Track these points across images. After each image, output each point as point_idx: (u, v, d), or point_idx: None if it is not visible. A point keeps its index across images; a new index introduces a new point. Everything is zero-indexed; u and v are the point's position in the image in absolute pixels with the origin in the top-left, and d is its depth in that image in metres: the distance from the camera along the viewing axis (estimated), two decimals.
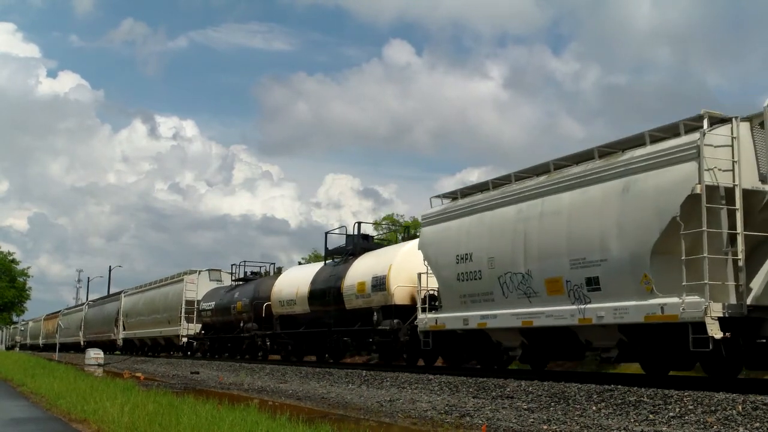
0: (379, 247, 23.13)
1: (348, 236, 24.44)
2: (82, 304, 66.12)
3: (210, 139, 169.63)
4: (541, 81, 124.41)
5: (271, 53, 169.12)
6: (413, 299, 18.85)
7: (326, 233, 25.79)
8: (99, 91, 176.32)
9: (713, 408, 9.32)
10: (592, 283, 12.71)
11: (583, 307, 12.89)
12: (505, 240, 14.79)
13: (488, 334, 15.83)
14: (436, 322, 16.99)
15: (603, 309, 12.46)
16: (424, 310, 17.50)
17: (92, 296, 77.07)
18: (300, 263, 32.96)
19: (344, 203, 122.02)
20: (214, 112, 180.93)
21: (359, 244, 23.51)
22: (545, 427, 10.13)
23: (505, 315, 14.79)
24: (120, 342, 48.97)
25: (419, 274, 17.93)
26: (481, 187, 16.54)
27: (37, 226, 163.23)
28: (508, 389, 12.76)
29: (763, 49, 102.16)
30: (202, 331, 35.15)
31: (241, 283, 32.63)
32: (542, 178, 14.53)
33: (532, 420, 10.60)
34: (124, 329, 48.35)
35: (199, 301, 35.86)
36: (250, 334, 28.67)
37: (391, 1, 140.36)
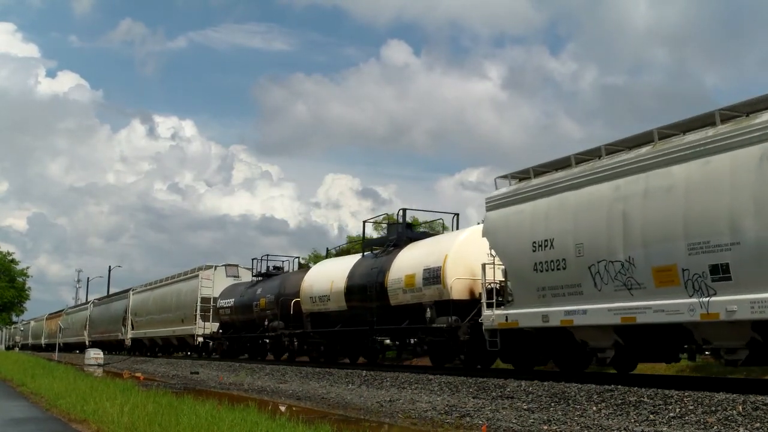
0: (426, 236, 20.97)
1: (390, 224, 22.42)
2: (87, 303, 63.98)
3: (209, 140, 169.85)
4: (539, 81, 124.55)
5: (270, 53, 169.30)
6: (472, 293, 17.26)
7: (364, 222, 24.63)
8: (98, 91, 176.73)
9: (713, 408, 9.31)
10: (719, 272, 10.85)
11: (706, 300, 11.04)
12: (597, 223, 12.88)
13: (571, 332, 13.83)
14: (507, 320, 15.02)
15: (735, 302, 10.62)
16: (490, 306, 15.61)
17: (92, 296, 76.91)
18: (300, 263, 31.42)
19: (343, 203, 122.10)
20: (214, 112, 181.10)
21: (405, 233, 21.32)
22: (545, 427, 10.12)
23: (597, 310, 12.80)
24: (128, 342, 46.80)
25: (484, 265, 16.02)
26: (559, 164, 14.57)
27: (36, 226, 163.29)
28: (509, 389, 12.75)
29: (760, 49, 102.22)
30: (220, 331, 32.86)
31: (262, 278, 30.31)
32: (644, 149, 12.53)
33: (532, 420, 10.59)
34: (133, 328, 46.23)
35: (215, 299, 33.56)
36: (275, 333, 26.38)
37: (389, 1, 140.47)
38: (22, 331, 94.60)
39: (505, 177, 15.88)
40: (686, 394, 10.09)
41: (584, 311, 13.11)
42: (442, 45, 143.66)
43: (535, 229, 14.29)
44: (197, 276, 36.46)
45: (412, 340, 20.19)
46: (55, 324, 67.44)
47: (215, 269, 36.46)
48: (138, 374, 26.32)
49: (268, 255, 31.64)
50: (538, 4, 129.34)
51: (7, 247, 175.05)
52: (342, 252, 39.36)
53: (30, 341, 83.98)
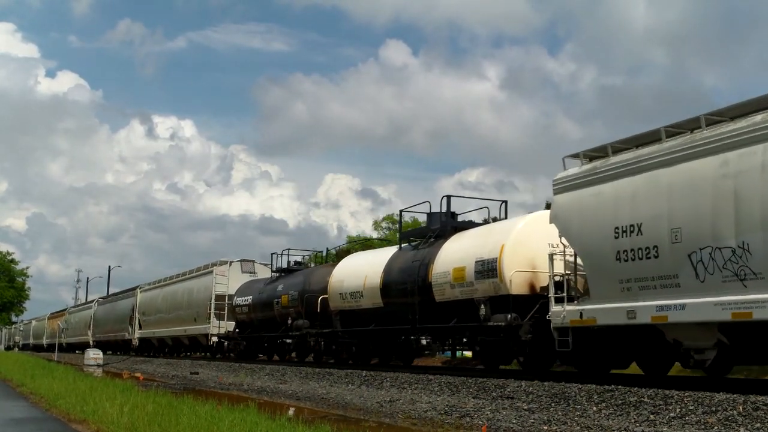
0: (472, 226, 19.12)
1: (431, 214, 20.12)
2: (91, 302, 62.26)
3: (209, 140, 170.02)
4: (537, 82, 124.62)
5: (269, 53, 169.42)
6: (532, 288, 15.62)
7: (401, 211, 22.12)
8: (98, 92, 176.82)
9: (714, 408, 9.31)
10: None
11: None
12: (699, 204, 11.37)
13: (662, 330, 12.27)
14: (581, 316, 13.32)
15: None
16: (559, 301, 14.01)
17: (92, 296, 76.74)
18: (300, 263, 30.17)
19: (343, 203, 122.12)
20: (213, 113, 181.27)
21: (449, 222, 19.21)
22: (546, 427, 10.11)
23: (700, 305, 11.24)
24: (135, 342, 44.84)
25: (551, 255, 14.47)
26: (644, 139, 12.90)
27: (35, 226, 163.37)
28: (509, 389, 12.74)
29: (758, 49, 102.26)
30: (236, 330, 30.78)
31: (283, 274, 28.17)
32: (759, 117, 11.03)
33: (532, 420, 10.59)
34: (141, 328, 44.31)
35: (231, 296, 31.58)
36: (300, 333, 24.36)
37: (388, 2, 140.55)
38: (21, 331, 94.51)
39: (575, 156, 14.25)
40: (686, 394, 10.08)
41: (682, 306, 11.51)
42: (441, 45, 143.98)
43: (618, 212, 12.67)
44: (211, 272, 34.48)
45: (462, 340, 18.68)
46: (57, 323, 66.52)
47: (230, 265, 34.48)
48: (138, 374, 26.31)
49: (289, 249, 29.78)
50: (537, 5, 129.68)
51: (6, 247, 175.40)
52: (342, 252, 39.08)
53: (31, 341, 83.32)
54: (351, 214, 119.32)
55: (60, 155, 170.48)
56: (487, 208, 19.72)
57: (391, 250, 21.49)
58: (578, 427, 9.82)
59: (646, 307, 12.04)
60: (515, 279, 15.59)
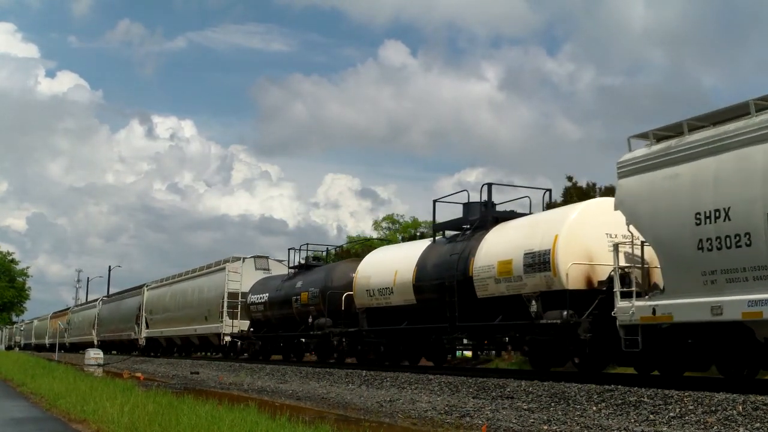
0: (516, 216, 17.51)
1: (468, 204, 18.44)
2: (95, 300, 60.71)
3: (209, 140, 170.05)
4: (536, 82, 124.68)
5: (269, 54, 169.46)
6: (589, 282, 14.25)
7: (434, 201, 19.78)
8: (98, 92, 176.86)
9: (713, 408, 9.32)
10: None
11: None
12: None
13: (752, 328, 11.01)
14: (654, 312, 12.10)
15: None
16: (626, 296, 12.73)
17: (92, 296, 76.62)
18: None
19: (342, 203, 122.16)
20: (213, 113, 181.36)
21: (490, 212, 17.70)
22: (545, 427, 10.12)
23: None
24: (142, 342, 43.39)
25: (617, 245, 13.23)
26: (725, 115, 11.71)
27: (35, 226, 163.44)
28: (509, 389, 12.75)
29: (757, 49, 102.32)
30: (251, 329, 29.21)
31: (302, 270, 26.74)
32: None
33: (532, 420, 10.60)
34: (147, 327, 42.93)
35: (244, 293, 30.04)
36: (323, 332, 22.84)
37: (387, 2, 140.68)
38: (22, 330, 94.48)
39: (642, 136, 12.95)
40: (686, 394, 10.09)
41: None
42: (440, 46, 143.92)
43: (698, 196, 11.41)
44: (224, 269, 32.96)
45: (505, 339, 17.07)
46: (60, 323, 64.87)
47: (243, 261, 33.11)
48: (138, 374, 26.33)
49: (308, 244, 28.09)
50: (535, 6, 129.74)
51: (6, 247, 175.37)
52: (342, 252, 38.96)
53: (33, 341, 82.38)
54: (350, 214, 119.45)
55: (60, 155, 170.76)
56: (528, 197, 18.24)
57: (422, 244, 19.95)
58: (578, 427, 9.83)
59: (735, 302, 10.75)
60: (572, 272, 14.14)
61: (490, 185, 18.35)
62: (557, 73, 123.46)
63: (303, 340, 25.94)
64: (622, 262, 13.20)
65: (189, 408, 10.42)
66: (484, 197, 18.22)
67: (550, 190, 17.87)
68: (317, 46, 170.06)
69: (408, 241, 26.75)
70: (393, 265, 19.80)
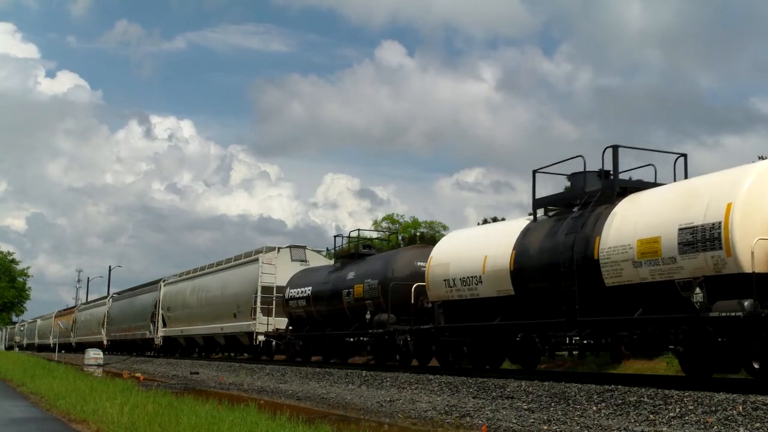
0: (649, 186, 14.15)
1: (578, 175, 15.35)
2: (105, 297, 57.97)
3: (208, 140, 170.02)
4: (533, 83, 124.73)
5: (268, 54, 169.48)
6: None
7: (534, 172, 16.27)
8: (97, 92, 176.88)
9: (714, 408, 9.32)
10: None
11: None
12: None
13: None
14: None
15: None
16: None
17: (92, 296, 76.48)
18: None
19: (341, 203, 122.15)
20: (212, 113, 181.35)
21: (616, 182, 14.36)
22: (545, 427, 10.12)
23: None
24: (158, 341, 40.29)
25: None
26: None
27: (35, 226, 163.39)
28: (509, 389, 12.76)
29: (753, 51, 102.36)
30: (289, 328, 26.19)
31: (352, 259, 23.68)
32: None
33: (532, 420, 10.60)
34: (164, 326, 39.79)
35: (280, 287, 27.11)
36: (385, 330, 19.80)
37: (383, 3, 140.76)
38: (23, 330, 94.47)
39: None
40: (686, 394, 10.09)
41: None
42: (437, 47, 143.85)
43: None
44: (257, 260, 29.58)
45: (644, 336, 13.60)
46: (67, 322, 63.55)
47: (278, 251, 29.81)
48: (138, 374, 26.33)
49: (359, 230, 25.37)
50: (532, 7, 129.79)
51: (6, 247, 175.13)
52: (342, 252, 38.27)
53: (36, 341, 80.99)
54: (349, 214, 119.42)
55: (60, 155, 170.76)
56: (653, 165, 14.95)
57: (516, 224, 16.74)
58: (578, 427, 9.83)
59: None
60: (758, 251, 11.13)
61: (615, 148, 14.48)
62: (554, 73, 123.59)
63: (363, 338, 22.67)
64: None
65: (189, 408, 10.43)
66: (600, 166, 14.78)
67: (685, 155, 14.65)
68: (316, 47, 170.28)
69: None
70: (480, 250, 16.56)
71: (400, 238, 49.72)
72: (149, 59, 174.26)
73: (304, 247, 30.55)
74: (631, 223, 13.09)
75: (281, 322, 27.25)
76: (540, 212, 16.22)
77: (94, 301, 64.09)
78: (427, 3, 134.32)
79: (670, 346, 13.02)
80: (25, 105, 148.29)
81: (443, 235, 49.81)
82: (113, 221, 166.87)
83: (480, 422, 10.93)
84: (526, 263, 15.21)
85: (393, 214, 58.42)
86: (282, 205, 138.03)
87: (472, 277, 16.58)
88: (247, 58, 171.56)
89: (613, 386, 11.39)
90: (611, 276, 13.17)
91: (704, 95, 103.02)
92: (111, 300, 53.93)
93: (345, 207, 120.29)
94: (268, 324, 27.79)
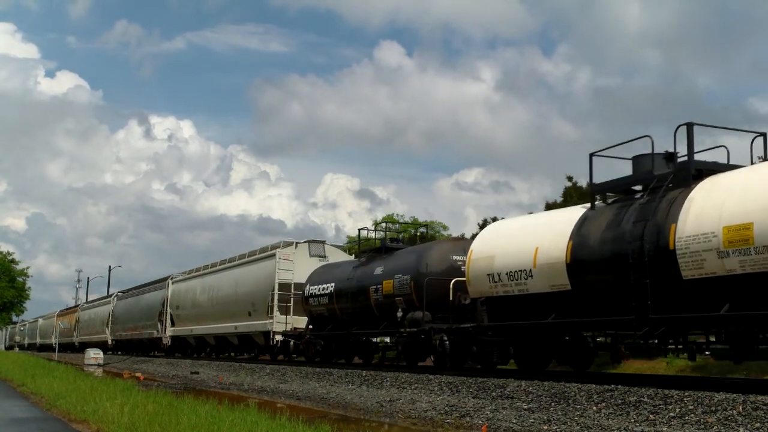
0: (728, 168, 12.62)
1: (640, 157, 13.78)
2: (109, 296, 56.25)
3: (208, 140, 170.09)
4: (532, 83, 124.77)
5: (267, 54, 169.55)
6: None
7: (591, 155, 14.69)
8: (97, 92, 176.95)
9: (714, 408, 9.32)
10: None
11: None
12: None
13: None
14: None
15: None
16: None
17: (92, 296, 76.38)
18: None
19: (341, 204, 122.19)
20: (212, 113, 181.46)
21: (691, 164, 12.75)
22: (545, 427, 10.13)
23: None
24: (166, 341, 39.00)
25: None
26: None
27: (35, 226, 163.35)
28: (509, 389, 12.76)
29: (752, 51, 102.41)
30: (310, 327, 24.76)
31: (379, 253, 22.13)
32: None
33: (532, 420, 10.60)
34: (173, 325, 38.52)
35: (298, 284, 25.75)
36: (420, 329, 18.24)
37: (382, 4, 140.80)
38: (23, 330, 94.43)
39: None
40: (686, 394, 10.09)
41: None
42: (435, 47, 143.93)
43: None
44: (274, 256, 27.99)
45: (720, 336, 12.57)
46: (69, 321, 62.58)
47: (296, 247, 28.25)
48: (138, 374, 26.34)
49: (387, 222, 24.15)
50: (531, 7, 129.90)
51: (5, 247, 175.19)
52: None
53: (38, 340, 79.80)
54: (348, 214, 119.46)
55: (59, 156, 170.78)
56: (725, 147, 13.30)
57: (571, 212, 15.31)
58: (578, 427, 9.83)
59: None
60: None
61: (690, 126, 12.88)
62: (553, 74, 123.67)
63: (386, 339, 21.44)
64: None
65: (189, 408, 10.43)
66: (674, 147, 13.20)
67: (765, 134, 13.18)
68: (316, 47, 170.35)
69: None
70: (530, 241, 15.17)
71: (400, 237, 49.62)
72: (149, 59, 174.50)
73: (323, 242, 29.38)
74: (714, 209, 11.62)
75: (299, 321, 25.96)
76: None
77: (98, 299, 62.79)
78: (426, 4, 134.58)
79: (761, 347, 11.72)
80: (25, 105, 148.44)
81: (443, 236, 49.96)
82: (113, 221, 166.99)
83: (480, 422, 10.94)
84: (585, 255, 13.79)
85: (393, 214, 58.41)
86: (282, 205, 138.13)
87: (520, 271, 15.11)
88: (247, 59, 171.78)
89: (613, 386, 11.39)
90: (690, 268, 11.70)
91: (703, 95, 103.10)
92: (116, 298, 52.53)
93: (344, 207, 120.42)
94: (286, 323, 26.34)
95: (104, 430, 9.49)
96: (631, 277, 12.48)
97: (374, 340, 23.07)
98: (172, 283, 39.68)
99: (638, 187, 13.81)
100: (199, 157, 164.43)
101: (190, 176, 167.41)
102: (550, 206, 16.14)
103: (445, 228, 54.67)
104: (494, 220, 16.53)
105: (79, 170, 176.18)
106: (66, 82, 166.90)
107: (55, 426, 10.72)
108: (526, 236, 15.50)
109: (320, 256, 27.86)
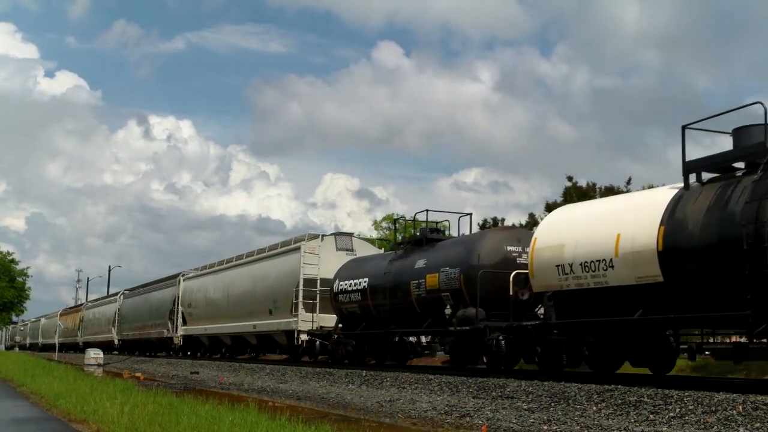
0: None
1: (745, 129, 12.08)
2: (116, 294, 54.03)
3: (207, 140, 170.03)
4: (530, 84, 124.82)
5: (267, 54, 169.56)
6: None
7: (683, 127, 12.67)
8: (96, 92, 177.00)
9: (713, 408, 9.32)
10: None
11: None
12: None
13: None
14: None
15: None
16: None
17: (92, 296, 76.28)
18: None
19: (340, 204, 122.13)
20: (211, 113, 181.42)
21: None
22: (545, 427, 10.13)
23: None
24: (178, 340, 37.33)
25: None
26: None
27: (34, 226, 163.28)
28: (509, 389, 12.75)
29: (750, 52, 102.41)
30: (339, 326, 22.68)
31: (419, 245, 20.07)
32: None
33: (532, 420, 10.60)
34: (185, 323, 36.80)
35: (325, 280, 24.10)
36: (472, 327, 16.44)
37: (380, 5, 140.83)
38: (22, 330, 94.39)
39: None
40: (686, 394, 10.09)
41: None
42: (434, 48, 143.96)
43: None
44: (298, 249, 25.94)
45: None
46: (73, 321, 61.71)
47: (322, 240, 26.23)
48: (138, 374, 26.34)
49: (427, 210, 21.59)
50: (529, 8, 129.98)
51: (5, 247, 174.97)
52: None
53: (40, 340, 79.24)
54: (348, 215, 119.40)
55: (59, 156, 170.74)
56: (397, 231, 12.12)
57: (658, 194, 13.38)
58: (578, 427, 9.84)
59: None
60: None
61: None
62: (551, 74, 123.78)
63: (424, 338, 19.91)
64: None
65: (189, 408, 10.44)
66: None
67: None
68: (314, 47, 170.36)
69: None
70: (610, 227, 13.32)
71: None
72: (148, 59, 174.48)
73: (351, 235, 27.66)
74: None
75: (327, 319, 23.96)
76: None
77: (103, 298, 61.38)
78: (424, 4, 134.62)
79: None
80: (25, 105, 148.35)
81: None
82: (112, 221, 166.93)
83: (480, 422, 10.94)
84: (682, 241, 11.94)
85: (393, 214, 58.34)
86: (281, 205, 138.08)
87: (598, 261, 13.26)
88: (246, 59, 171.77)
89: (613, 386, 11.39)
90: None
91: (701, 96, 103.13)
92: (122, 297, 50.45)
93: (344, 207, 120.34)
94: (312, 321, 24.28)
95: (104, 430, 9.49)
96: (747, 267, 10.67)
97: (410, 339, 21.70)
98: (184, 280, 38.12)
99: (740, 165, 12.07)
100: (198, 157, 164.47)
101: (190, 176, 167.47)
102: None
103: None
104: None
105: (78, 170, 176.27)
106: (65, 82, 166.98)
107: (55, 426, 10.73)
108: (603, 222, 13.66)
109: (347, 250, 25.88)
